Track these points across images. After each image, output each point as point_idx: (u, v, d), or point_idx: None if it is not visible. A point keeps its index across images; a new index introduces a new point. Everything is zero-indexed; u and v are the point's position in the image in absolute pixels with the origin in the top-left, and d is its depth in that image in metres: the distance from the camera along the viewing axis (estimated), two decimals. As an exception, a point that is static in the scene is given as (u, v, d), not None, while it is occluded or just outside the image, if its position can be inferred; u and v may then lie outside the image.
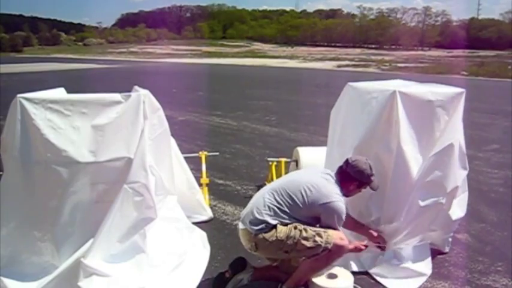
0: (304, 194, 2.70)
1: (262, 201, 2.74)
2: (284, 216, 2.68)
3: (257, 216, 2.67)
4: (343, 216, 2.75)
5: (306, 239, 2.63)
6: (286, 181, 2.89)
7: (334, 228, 2.72)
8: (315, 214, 2.76)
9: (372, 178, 2.89)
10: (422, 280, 3.07)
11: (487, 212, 4.41)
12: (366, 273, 3.15)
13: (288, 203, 2.70)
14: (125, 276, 2.77)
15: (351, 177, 2.85)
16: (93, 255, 2.74)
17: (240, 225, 2.78)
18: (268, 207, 2.69)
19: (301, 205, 2.69)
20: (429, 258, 3.25)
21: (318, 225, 2.77)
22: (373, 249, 3.15)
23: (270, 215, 2.67)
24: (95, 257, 2.75)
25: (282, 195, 2.72)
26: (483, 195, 4.92)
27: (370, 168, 2.87)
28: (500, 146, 7.51)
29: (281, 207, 2.69)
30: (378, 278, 3.11)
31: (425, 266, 3.18)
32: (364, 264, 3.22)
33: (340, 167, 2.92)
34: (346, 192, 2.86)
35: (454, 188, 3.22)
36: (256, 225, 2.65)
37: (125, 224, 2.88)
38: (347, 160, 2.90)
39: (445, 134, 3.20)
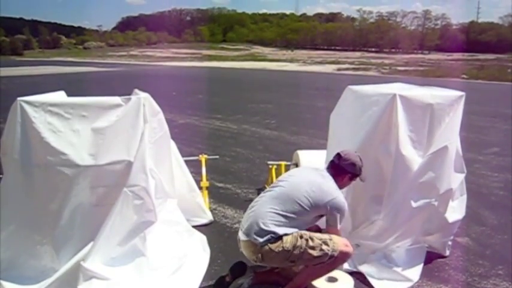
0: (308, 196, 2.67)
1: (265, 211, 2.66)
2: (291, 222, 2.63)
3: (263, 227, 2.60)
4: (345, 213, 2.80)
5: (312, 248, 2.61)
6: (285, 186, 2.80)
7: (335, 227, 2.74)
8: (320, 213, 2.77)
9: (362, 170, 2.95)
10: (407, 285, 3.05)
11: (487, 215, 4.40)
12: (364, 276, 3.13)
13: (294, 208, 2.65)
14: (124, 280, 2.77)
15: (343, 171, 2.89)
16: (93, 258, 2.74)
17: (242, 237, 2.69)
18: (274, 216, 2.63)
19: (308, 208, 2.66)
20: (421, 265, 3.22)
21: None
22: None
23: (277, 225, 2.61)
24: (94, 260, 2.74)
25: (286, 202, 2.66)
26: (483, 198, 4.91)
27: (361, 160, 2.93)
28: (500, 149, 7.50)
29: (287, 214, 2.64)
30: (367, 276, 3.10)
31: (414, 273, 3.14)
32: (356, 263, 3.20)
33: (332, 161, 2.95)
34: (339, 186, 2.86)
35: (447, 190, 3.22)
36: (262, 237, 2.58)
37: (125, 227, 2.88)
38: (338, 154, 2.93)
39: (441, 136, 3.20)
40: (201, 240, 3.54)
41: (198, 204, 4.08)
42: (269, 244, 2.58)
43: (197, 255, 3.31)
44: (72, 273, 2.73)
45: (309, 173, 2.92)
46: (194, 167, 4.71)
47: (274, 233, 2.58)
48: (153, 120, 3.24)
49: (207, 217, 4.10)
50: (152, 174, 3.12)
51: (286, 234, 2.60)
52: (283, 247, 2.57)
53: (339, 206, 2.73)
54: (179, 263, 3.08)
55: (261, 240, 2.58)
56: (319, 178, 2.81)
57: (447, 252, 3.47)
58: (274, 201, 2.70)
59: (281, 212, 2.64)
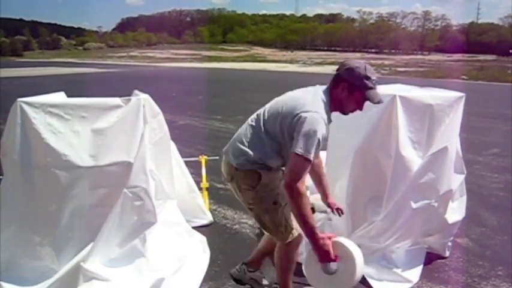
0: (281, 108, 2.30)
1: (244, 132, 2.44)
2: (267, 144, 2.33)
3: (238, 145, 2.39)
4: (314, 138, 2.11)
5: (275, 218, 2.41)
6: (268, 105, 2.47)
7: (293, 151, 2.12)
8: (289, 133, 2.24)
9: (367, 82, 2.25)
10: (406, 286, 3.04)
11: (487, 216, 4.40)
12: (363, 277, 3.12)
13: (269, 126, 2.33)
14: (124, 281, 2.77)
15: (340, 79, 2.31)
16: (93, 259, 2.74)
17: (223, 156, 2.52)
18: (250, 136, 2.39)
19: (278, 125, 2.28)
20: (420, 266, 3.21)
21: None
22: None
23: (251, 145, 2.35)
24: (94, 261, 2.74)
25: (265, 120, 2.37)
26: (483, 199, 4.91)
27: (365, 69, 2.27)
28: (500, 150, 7.50)
29: (261, 133, 2.35)
30: (366, 277, 3.08)
31: (414, 274, 3.13)
32: None
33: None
34: (336, 103, 2.35)
35: (447, 191, 3.22)
36: (238, 157, 2.37)
37: (125, 228, 2.88)
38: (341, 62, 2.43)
39: (441, 137, 3.20)
40: (201, 241, 3.54)
41: (198, 205, 4.08)
42: (243, 171, 2.37)
43: (197, 256, 3.31)
44: (72, 274, 2.73)
45: (300, 89, 2.47)
46: (194, 168, 4.72)
47: (247, 154, 2.34)
48: (153, 121, 3.24)
49: (207, 218, 4.10)
50: (152, 175, 3.12)
51: (264, 172, 2.34)
52: (254, 185, 2.36)
53: (303, 121, 2.14)
54: (179, 264, 3.07)
55: (235, 161, 2.39)
56: (303, 91, 2.39)
57: (447, 253, 3.47)
58: (254, 121, 2.45)
59: (256, 131, 2.38)
